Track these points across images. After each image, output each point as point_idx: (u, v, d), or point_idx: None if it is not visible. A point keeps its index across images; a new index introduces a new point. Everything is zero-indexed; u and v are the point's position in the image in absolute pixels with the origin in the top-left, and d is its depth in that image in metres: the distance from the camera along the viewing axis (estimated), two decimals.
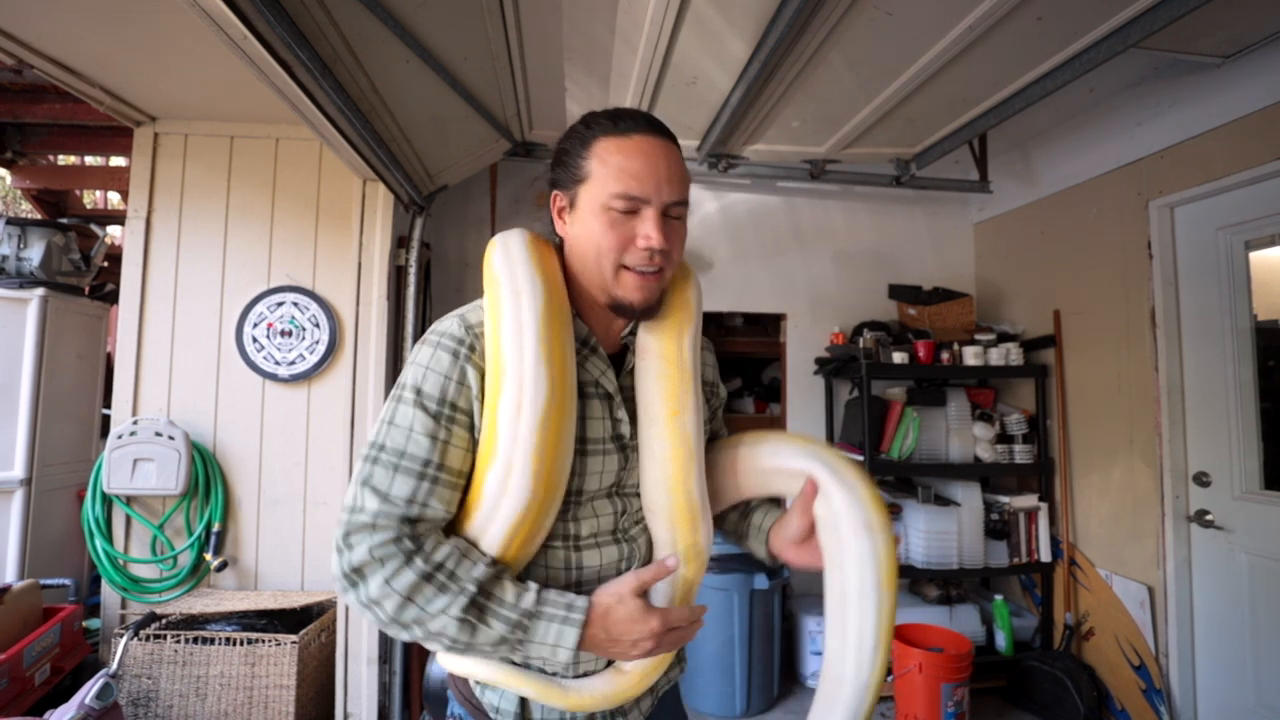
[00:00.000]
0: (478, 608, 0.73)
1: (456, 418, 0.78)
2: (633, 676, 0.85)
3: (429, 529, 0.76)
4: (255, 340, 2.53)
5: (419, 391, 0.77)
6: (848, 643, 0.83)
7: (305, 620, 2.34)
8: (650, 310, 0.84)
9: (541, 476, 0.75)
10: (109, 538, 2.40)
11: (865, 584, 0.82)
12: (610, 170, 0.79)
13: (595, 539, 0.86)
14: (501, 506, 0.76)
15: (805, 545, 0.91)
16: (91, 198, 5.02)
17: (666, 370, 0.86)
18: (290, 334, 2.55)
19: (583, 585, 0.84)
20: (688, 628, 0.80)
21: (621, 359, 0.91)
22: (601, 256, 0.80)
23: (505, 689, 0.83)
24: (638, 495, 0.89)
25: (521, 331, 0.76)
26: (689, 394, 0.86)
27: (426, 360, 0.78)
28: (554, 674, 0.83)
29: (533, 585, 0.77)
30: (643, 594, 0.79)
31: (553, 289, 0.81)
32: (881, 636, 0.81)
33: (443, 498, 0.77)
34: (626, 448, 0.87)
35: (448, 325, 0.81)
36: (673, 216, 0.81)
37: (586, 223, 0.81)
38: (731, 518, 1.05)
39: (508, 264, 0.82)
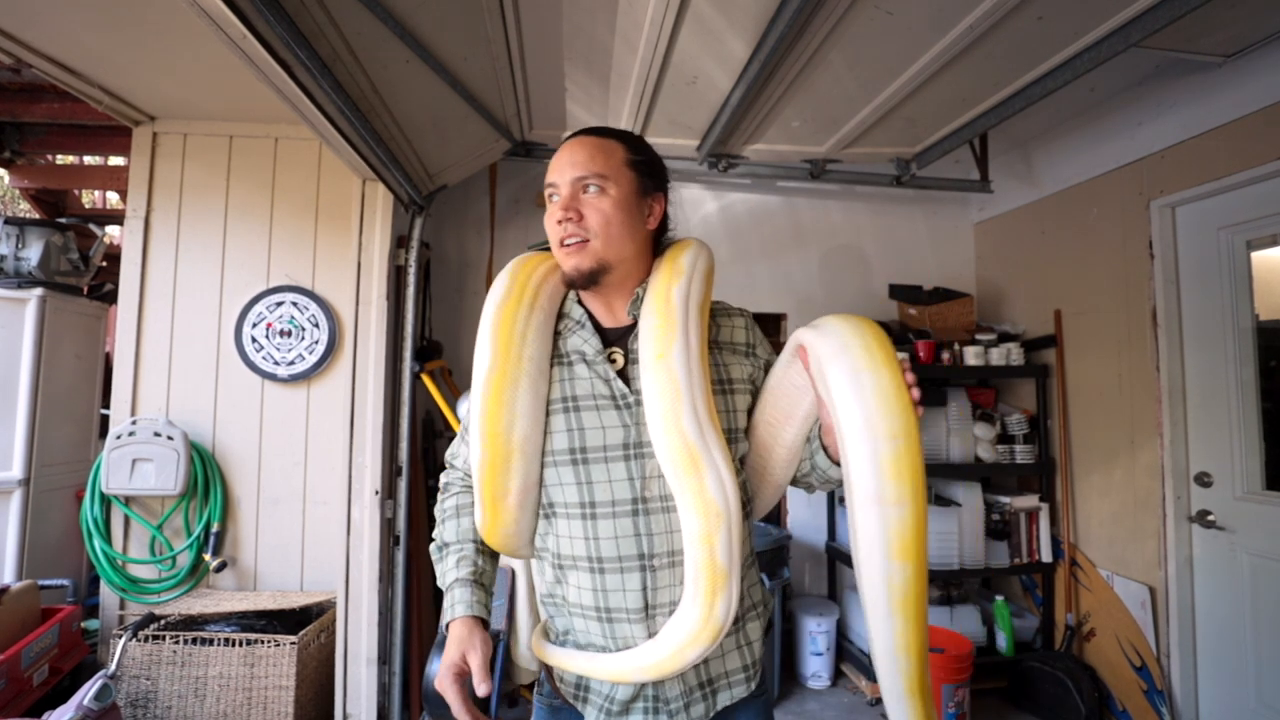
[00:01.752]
0: (438, 553, 1.03)
1: None
2: (646, 660, 0.88)
3: (459, 475, 1.07)
4: (254, 340, 2.53)
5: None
6: (847, 468, 0.80)
7: (304, 621, 2.33)
8: (590, 276, 0.93)
9: (487, 435, 0.91)
10: (108, 538, 2.40)
11: (842, 382, 0.80)
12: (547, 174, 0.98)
13: (612, 507, 0.91)
14: (474, 469, 0.95)
15: None
16: (90, 197, 5.02)
17: (652, 321, 0.91)
18: (289, 334, 2.55)
19: (604, 561, 0.91)
20: (455, 708, 0.87)
21: (632, 329, 0.98)
22: (550, 241, 0.97)
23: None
24: (655, 455, 0.91)
25: (484, 321, 0.95)
26: (674, 336, 0.89)
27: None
28: (599, 648, 0.94)
29: (463, 569, 0.98)
30: (461, 660, 0.89)
31: (518, 284, 0.97)
32: (876, 424, 0.76)
33: (464, 453, 1.06)
34: (629, 405, 0.93)
35: None
36: (587, 191, 0.93)
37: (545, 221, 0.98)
38: (803, 456, 1.03)
39: (498, 275, 1.01)
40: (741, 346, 1.03)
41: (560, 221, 0.93)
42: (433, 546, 1.04)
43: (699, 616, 0.85)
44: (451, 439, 2.54)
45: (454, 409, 2.38)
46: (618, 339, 0.98)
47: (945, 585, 2.84)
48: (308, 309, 2.56)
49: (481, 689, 0.86)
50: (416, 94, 1.83)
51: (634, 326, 0.97)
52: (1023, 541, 2.76)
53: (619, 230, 0.94)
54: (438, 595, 2.60)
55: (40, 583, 2.21)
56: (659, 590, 0.90)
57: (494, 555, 1.04)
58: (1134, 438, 2.41)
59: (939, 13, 1.70)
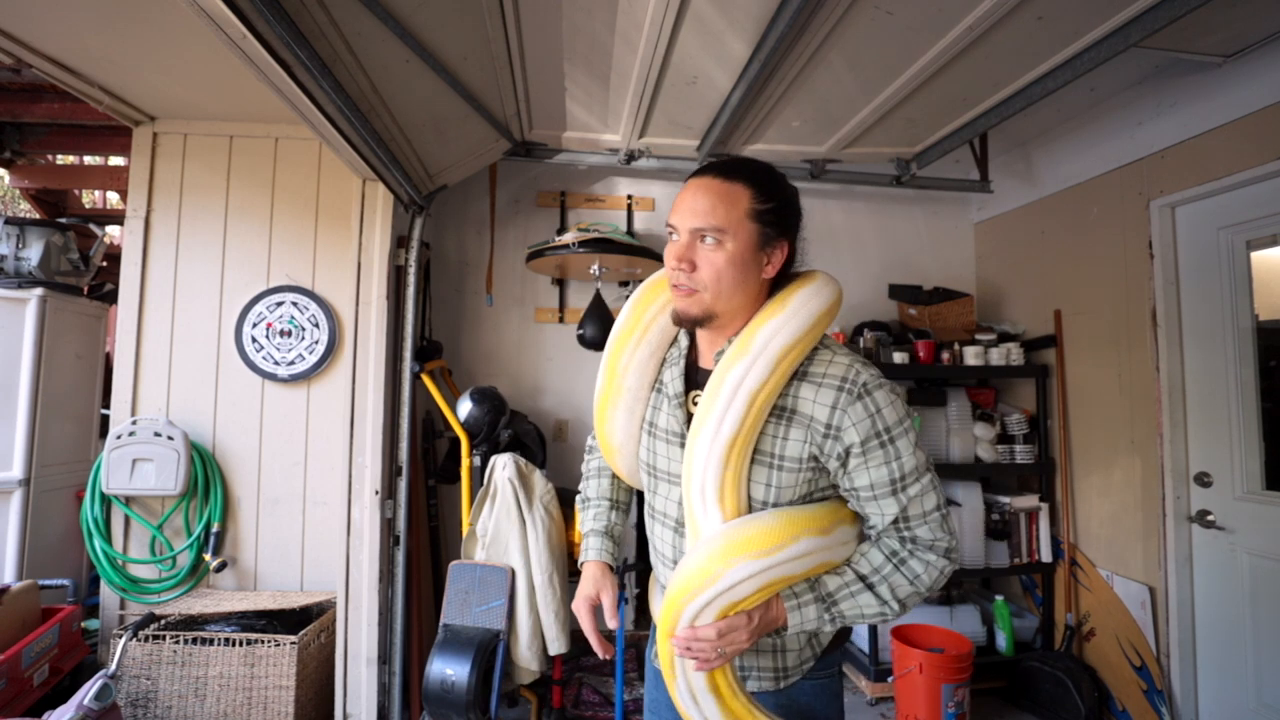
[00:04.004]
0: (583, 504, 1.29)
1: None
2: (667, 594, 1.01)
3: (598, 444, 1.24)
4: (254, 340, 2.53)
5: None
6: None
7: (304, 621, 2.33)
8: (695, 322, 0.98)
9: (601, 438, 1.16)
10: (108, 538, 2.40)
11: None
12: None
13: (664, 517, 1.09)
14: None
15: None
16: (90, 197, 5.02)
17: (706, 392, 0.97)
18: (289, 334, 2.55)
19: (659, 549, 1.12)
20: (585, 627, 1.12)
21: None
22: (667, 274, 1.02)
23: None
24: None
25: (606, 347, 1.13)
26: (708, 418, 0.94)
27: None
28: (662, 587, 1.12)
29: (599, 522, 1.23)
30: (595, 594, 1.15)
31: (633, 320, 1.10)
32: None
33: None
34: (684, 445, 1.01)
35: None
36: (704, 241, 0.94)
37: None
38: None
39: (629, 300, 1.14)
40: (820, 425, 0.93)
41: (674, 269, 0.97)
42: (579, 498, 1.30)
43: (661, 631, 1.01)
44: (452, 439, 2.56)
45: (454, 409, 2.38)
46: (703, 382, 1.01)
47: (945, 585, 2.84)
48: (308, 309, 2.56)
49: (611, 623, 1.10)
50: (416, 94, 1.83)
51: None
52: (1022, 541, 2.76)
53: (729, 285, 0.95)
54: (438, 595, 2.60)
55: (40, 582, 2.21)
56: None
57: (626, 512, 1.28)
58: (1134, 438, 2.41)
59: (939, 13, 1.70)
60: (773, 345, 0.93)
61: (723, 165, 0.98)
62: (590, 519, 1.24)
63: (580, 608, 1.13)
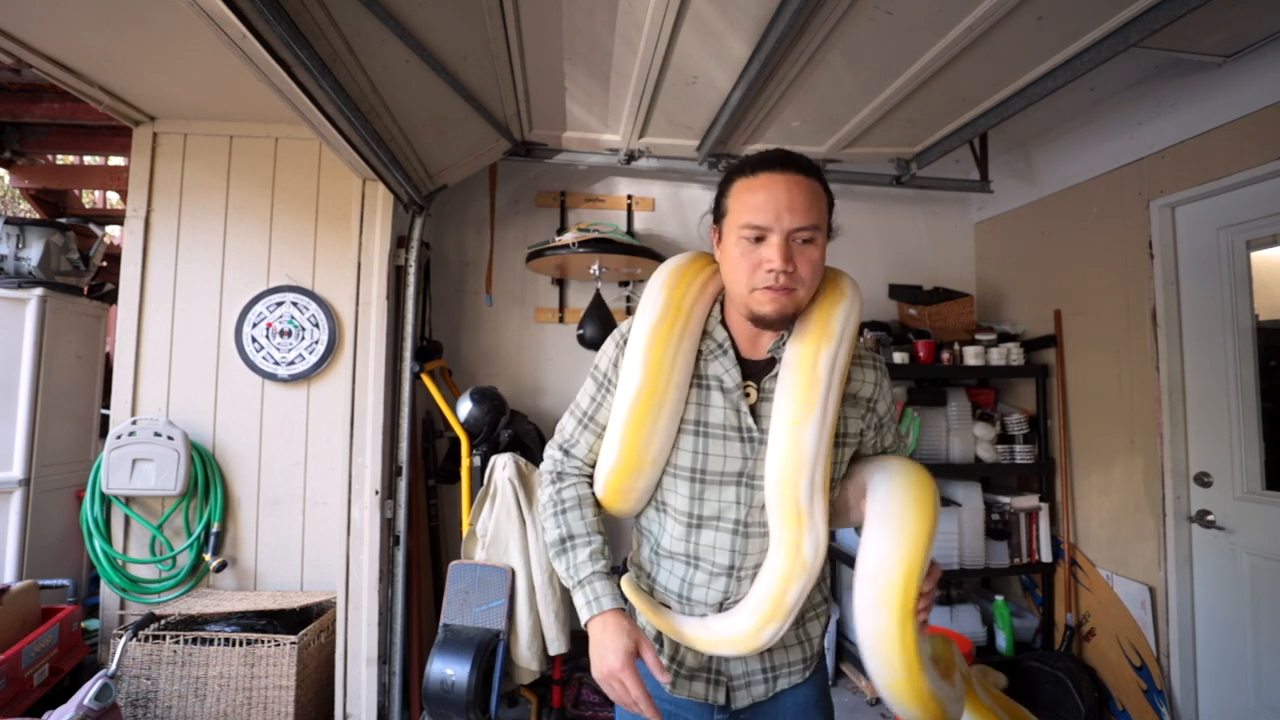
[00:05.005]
0: (561, 545, 1.03)
1: (610, 387, 1.05)
2: (710, 638, 0.98)
3: (576, 464, 1.10)
4: (254, 340, 2.53)
5: (595, 366, 1.08)
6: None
7: (304, 621, 2.33)
8: (784, 321, 0.95)
9: (625, 447, 0.99)
10: (108, 538, 2.40)
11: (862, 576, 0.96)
12: (740, 206, 0.94)
13: (717, 522, 1.00)
14: (603, 463, 1.04)
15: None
16: (90, 197, 5.02)
17: (796, 381, 0.95)
18: (289, 334, 2.55)
19: (700, 560, 1.02)
20: (629, 696, 0.90)
21: (770, 366, 1.02)
22: (737, 280, 0.95)
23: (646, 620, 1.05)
24: (763, 488, 0.98)
25: (636, 338, 1.00)
26: (813, 407, 0.93)
27: (606, 346, 1.07)
28: (676, 607, 1.05)
29: (598, 563, 1.00)
30: (635, 647, 0.92)
31: (673, 305, 0.99)
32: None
33: (587, 441, 1.09)
34: (754, 440, 0.99)
35: (621, 326, 1.07)
36: (801, 241, 0.92)
37: (728, 252, 0.97)
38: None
39: (650, 285, 1.05)
40: (865, 401, 1.06)
41: (774, 271, 0.91)
42: (553, 537, 1.04)
43: (746, 632, 0.96)
44: (452, 439, 2.56)
45: (454, 409, 2.38)
46: (754, 374, 1.02)
47: (945, 585, 2.84)
48: (308, 309, 2.56)
49: (665, 678, 0.91)
50: (416, 94, 1.83)
51: (771, 363, 1.01)
52: (1022, 541, 2.76)
53: (817, 279, 0.96)
54: (438, 595, 2.60)
55: (40, 582, 2.21)
56: (741, 597, 1.01)
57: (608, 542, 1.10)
58: (1134, 438, 2.41)
59: (939, 13, 1.70)
60: (849, 327, 0.98)
61: (799, 162, 0.96)
62: (587, 559, 1.01)
63: (623, 672, 0.89)
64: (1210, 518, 2.18)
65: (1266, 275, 2.12)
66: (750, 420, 0.99)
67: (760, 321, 0.95)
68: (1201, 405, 2.23)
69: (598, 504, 1.09)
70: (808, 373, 0.94)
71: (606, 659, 0.91)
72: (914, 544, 0.92)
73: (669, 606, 1.05)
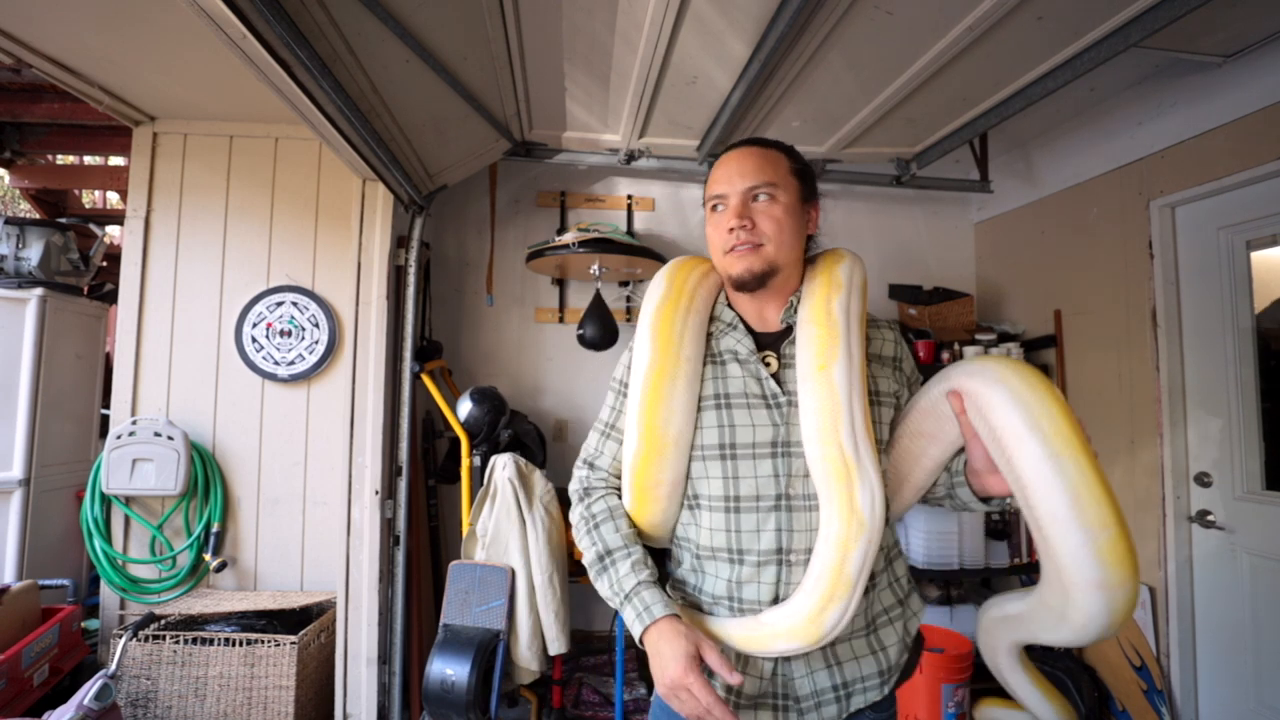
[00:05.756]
0: (600, 563, 0.97)
1: (622, 391, 1.05)
2: (764, 632, 0.90)
3: (602, 476, 1.07)
4: (254, 340, 2.53)
5: (612, 378, 1.09)
6: (1050, 546, 0.81)
7: (304, 621, 2.33)
8: (757, 279, 0.96)
9: (645, 429, 0.95)
10: (108, 538, 2.40)
11: (1039, 466, 0.80)
12: (708, 187, 1.03)
13: (756, 502, 0.94)
14: (626, 457, 1.00)
15: (996, 470, 0.92)
16: (90, 197, 5.02)
17: (814, 331, 0.94)
18: (289, 334, 2.55)
19: (744, 553, 0.94)
20: (699, 704, 0.80)
21: (786, 334, 1.01)
22: (714, 252, 1.02)
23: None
24: (803, 454, 0.93)
25: (643, 322, 1.01)
26: (837, 349, 0.91)
27: (622, 359, 1.08)
28: (711, 609, 0.98)
29: (643, 573, 0.93)
30: (696, 650, 0.84)
31: (675, 287, 1.02)
32: (1087, 512, 0.77)
33: (611, 450, 1.06)
34: (780, 404, 0.95)
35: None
36: (759, 199, 0.97)
37: (706, 227, 1.04)
38: (941, 481, 1.07)
39: (653, 281, 1.06)
40: (890, 360, 1.04)
41: (733, 229, 0.96)
42: (590, 556, 0.98)
43: (805, 615, 0.87)
44: (452, 439, 2.56)
45: (454, 409, 2.38)
46: (770, 344, 1.01)
47: (945, 585, 2.84)
48: (308, 309, 2.56)
49: (735, 678, 0.82)
50: (416, 94, 1.83)
51: (787, 332, 1.01)
52: (1023, 541, 2.76)
53: (789, 235, 0.97)
54: (438, 595, 2.60)
55: (40, 582, 2.21)
56: (792, 585, 0.92)
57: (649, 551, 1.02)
58: (1134, 438, 2.41)
59: (939, 13, 1.70)
60: (856, 279, 0.99)
61: (753, 139, 1.03)
62: (629, 571, 0.93)
63: (687, 678, 0.80)
64: (1210, 518, 2.17)
65: (1267, 275, 2.12)
66: (774, 385, 0.96)
67: (738, 284, 0.98)
68: (1201, 405, 2.23)
69: (629, 516, 1.03)
70: (823, 321, 0.94)
71: (667, 670, 0.82)
72: (1033, 389, 0.84)
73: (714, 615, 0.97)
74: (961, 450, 0.99)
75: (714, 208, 1.01)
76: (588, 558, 0.99)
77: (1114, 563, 0.78)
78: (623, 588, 0.93)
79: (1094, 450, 0.81)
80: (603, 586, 0.96)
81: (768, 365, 0.99)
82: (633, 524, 1.01)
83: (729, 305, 1.05)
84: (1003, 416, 0.84)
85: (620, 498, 1.04)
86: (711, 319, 1.04)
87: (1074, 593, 0.81)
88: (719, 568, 0.96)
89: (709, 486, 0.96)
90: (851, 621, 0.91)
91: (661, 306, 1.00)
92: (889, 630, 0.99)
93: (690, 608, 0.99)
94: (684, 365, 0.96)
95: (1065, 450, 0.79)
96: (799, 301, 1.00)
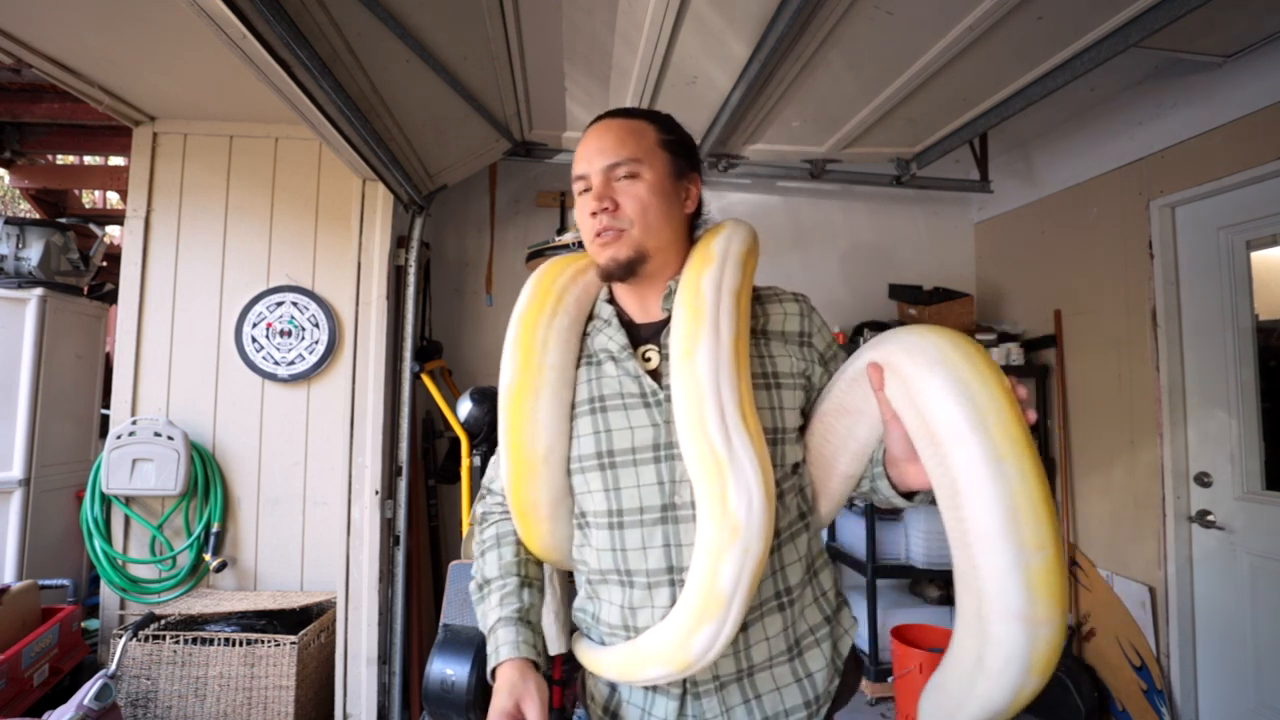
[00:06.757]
0: (479, 592, 0.94)
1: None
2: (636, 657, 0.81)
3: (497, 500, 1.00)
4: (254, 340, 2.53)
5: None
6: (975, 564, 0.66)
7: (304, 621, 2.33)
8: (628, 267, 0.87)
9: (511, 448, 0.88)
10: (108, 538, 2.40)
11: (978, 470, 0.65)
12: (573, 164, 0.92)
13: (641, 515, 0.84)
14: (504, 479, 0.92)
15: (917, 459, 0.77)
16: (90, 197, 5.02)
17: (681, 314, 0.83)
18: (289, 334, 2.55)
19: (632, 574, 0.85)
20: None
21: (667, 324, 0.89)
22: (583, 235, 0.90)
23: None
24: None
25: (507, 337, 0.91)
26: (701, 330, 0.80)
27: None
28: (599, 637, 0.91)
29: (507, 607, 0.89)
30: (515, 709, 0.79)
31: (539, 292, 0.93)
32: (1024, 529, 0.64)
33: (503, 473, 0.94)
34: (660, 401, 0.85)
35: None
36: (621, 177, 0.87)
37: (574, 214, 0.93)
38: (863, 476, 0.93)
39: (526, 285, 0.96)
40: (795, 336, 0.93)
41: (595, 213, 0.86)
42: (472, 585, 0.95)
43: (674, 637, 0.76)
44: (452, 439, 2.56)
45: (454, 409, 2.37)
46: (651, 335, 0.92)
47: (945, 585, 2.84)
48: (308, 309, 2.56)
49: None
50: (416, 94, 1.83)
51: (668, 321, 0.89)
52: None
53: (656, 216, 0.87)
54: (438, 595, 2.60)
55: (40, 582, 2.21)
56: None
57: (541, 588, 0.95)
58: (1134, 438, 2.41)
59: (939, 13, 1.70)
60: (733, 249, 0.88)
61: (618, 109, 0.94)
62: (495, 605, 0.89)
63: (512, 700, 0.79)
64: (1210, 518, 2.18)
65: (1267, 275, 2.12)
66: (651, 382, 0.86)
67: (605, 275, 0.89)
68: (1202, 405, 2.23)
69: (521, 542, 0.97)
70: (690, 300, 0.83)
71: (494, 710, 0.79)
72: (981, 377, 0.69)
73: (603, 643, 0.89)
74: (880, 442, 0.87)
75: (579, 191, 0.90)
76: (471, 586, 0.96)
77: (1043, 593, 0.65)
78: (486, 622, 0.90)
79: (1037, 451, 0.68)
80: (478, 615, 0.92)
81: (647, 361, 0.89)
82: (521, 550, 0.96)
83: (610, 299, 0.96)
84: (941, 407, 0.68)
85: (511, 522, 0.98)
86: (590, 317, 0.95)
87: (992, 626, 0.67)
88: (611, 592, 0.87)
89: (592, 501, 0.87)
90: (735, 645, 0.82)
91: (523, 317, 0.91)
92: (815, 653, 0.88)
93: (587, 639, 0.93)
94: (547, 374, 0.87)
95: (1010, 454, 0.65)
96: (677, 286, 0.89)
